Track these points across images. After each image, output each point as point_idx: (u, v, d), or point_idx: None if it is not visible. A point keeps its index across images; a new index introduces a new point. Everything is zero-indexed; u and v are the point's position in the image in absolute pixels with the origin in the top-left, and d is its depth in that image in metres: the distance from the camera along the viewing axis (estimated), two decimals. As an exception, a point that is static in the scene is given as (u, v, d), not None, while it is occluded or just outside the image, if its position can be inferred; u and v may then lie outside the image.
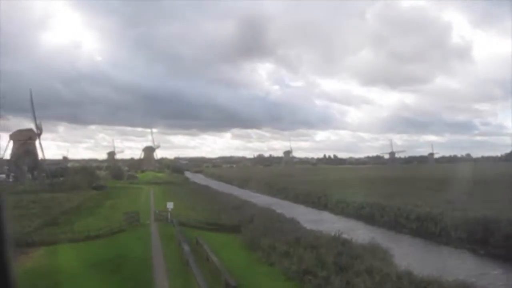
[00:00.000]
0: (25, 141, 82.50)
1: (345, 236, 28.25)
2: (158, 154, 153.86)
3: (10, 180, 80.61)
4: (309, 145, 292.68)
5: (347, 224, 40.93)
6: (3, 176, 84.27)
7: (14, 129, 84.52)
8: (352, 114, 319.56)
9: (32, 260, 25.89)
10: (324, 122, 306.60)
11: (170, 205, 36.56)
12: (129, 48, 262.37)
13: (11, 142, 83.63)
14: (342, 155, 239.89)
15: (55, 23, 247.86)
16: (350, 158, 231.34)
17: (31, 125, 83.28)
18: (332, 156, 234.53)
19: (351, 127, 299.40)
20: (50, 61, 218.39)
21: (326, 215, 47.49)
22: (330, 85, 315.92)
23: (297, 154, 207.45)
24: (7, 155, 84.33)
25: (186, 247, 23.95)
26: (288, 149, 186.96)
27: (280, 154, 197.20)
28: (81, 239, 30.23)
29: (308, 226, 34.00)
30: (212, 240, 27.53)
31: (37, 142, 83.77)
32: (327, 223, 39.00)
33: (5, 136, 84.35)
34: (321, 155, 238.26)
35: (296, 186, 67.78)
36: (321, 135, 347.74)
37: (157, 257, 24.00)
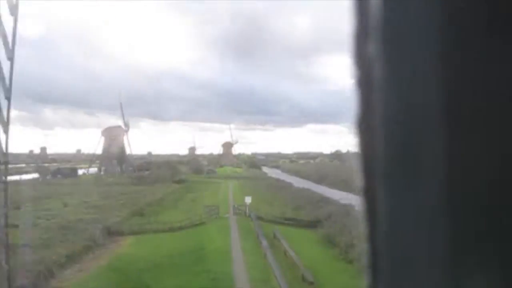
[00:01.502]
0: (114, 137, 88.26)
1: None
2: (236, 149, 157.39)
3: (102, 173, 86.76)
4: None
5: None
6: (95, 169, 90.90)
7: (105, 126, 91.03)
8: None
9: (122, 247, 27.77)
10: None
11: (248, 200, 37.29)
12: (203, 46, 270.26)
13: (102, 138, 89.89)
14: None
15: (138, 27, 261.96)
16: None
17: (119, 122, 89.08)
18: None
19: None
20: (133, 61, 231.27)
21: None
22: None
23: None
24: (99, 150, 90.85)
25: (264, 241, 24.35)
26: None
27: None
28: (164, 230, 31.88)
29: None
30: (289, 235, 27.72)
31: (125, 138, 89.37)
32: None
33: (97, 132, 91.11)
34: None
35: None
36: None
37: (235, 250, 24.63)
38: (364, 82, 0.30)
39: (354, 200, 49.58)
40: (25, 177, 79.97)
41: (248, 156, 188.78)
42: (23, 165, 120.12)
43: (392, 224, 0.42)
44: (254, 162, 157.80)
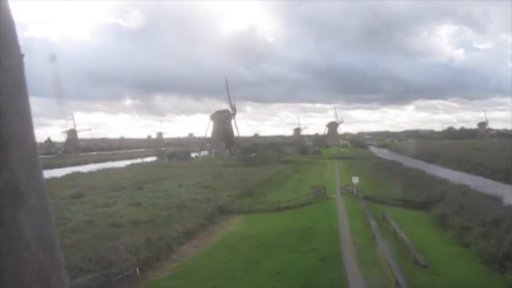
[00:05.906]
0: (222, 121, 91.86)
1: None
2: (341, 129, 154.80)
3: (212, 155, 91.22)
4: (508, 115, 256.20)
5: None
6: (206, 152, 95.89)
7: (213, 110, 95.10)
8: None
9: (232, 225, 29.22)
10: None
11: (355, 180, 36.78)
12: (297, 27, 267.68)
13: (211, 122, 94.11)
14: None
15: (234, 12, 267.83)
16: None
17: (225, 106, 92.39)
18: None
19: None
20: (232, 47, 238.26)
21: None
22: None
23: (493, 125, 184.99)
24: (209, 134, 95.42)
25: (373, 222, 23.93)
26: (483, 120, 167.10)
27: (472, 126, 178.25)
28: (272, 210, 32.81)
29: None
30: (399, 216, 26.84)
31: (232, 121, 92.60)
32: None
33: (206, 117, 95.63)
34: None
35: (494, 162, 60.64)
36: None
37: (343, 230, 24.52)
38: None
39: (469, 180, 46.21)
40: (145, 160, 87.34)
41: (354, 135, 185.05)
42: (143, 149, 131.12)
43: None
44: (360, 141, 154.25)
